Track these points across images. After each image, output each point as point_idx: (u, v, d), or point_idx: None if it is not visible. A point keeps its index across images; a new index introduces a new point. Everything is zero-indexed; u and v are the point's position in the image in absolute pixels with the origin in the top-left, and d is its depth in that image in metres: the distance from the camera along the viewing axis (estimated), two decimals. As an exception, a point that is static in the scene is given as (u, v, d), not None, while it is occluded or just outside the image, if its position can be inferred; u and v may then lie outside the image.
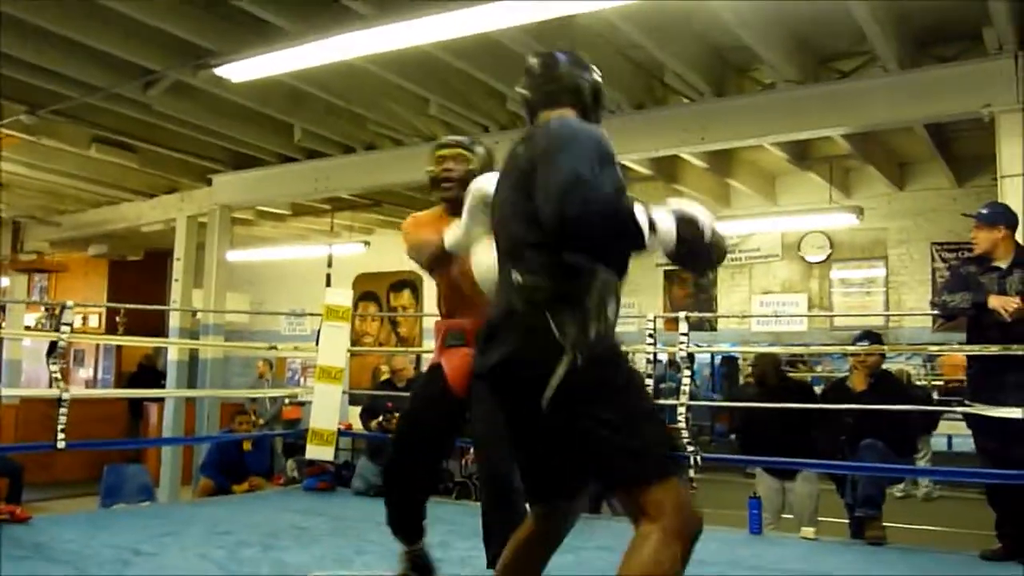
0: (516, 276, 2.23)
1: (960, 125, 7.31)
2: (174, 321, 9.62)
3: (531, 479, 2.47)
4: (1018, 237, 4.69)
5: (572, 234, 2.05)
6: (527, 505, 2.70)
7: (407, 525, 3.43)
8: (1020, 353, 4.29)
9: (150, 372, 11.97)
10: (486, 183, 2.91)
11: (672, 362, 8.84)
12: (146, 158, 8.97)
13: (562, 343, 2.12)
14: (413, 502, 3.41)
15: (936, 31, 6.08)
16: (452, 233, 3.12)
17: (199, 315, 9.72)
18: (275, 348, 8.53)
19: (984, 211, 4.66)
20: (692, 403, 5.52)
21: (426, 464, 3.44)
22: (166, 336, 9.83)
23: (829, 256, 10.64)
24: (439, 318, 3.50)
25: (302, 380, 12.30)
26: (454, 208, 3.22)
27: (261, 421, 9.11)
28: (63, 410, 5.11)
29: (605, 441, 2.12)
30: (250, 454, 7.56)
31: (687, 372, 5.46)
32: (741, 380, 11.56)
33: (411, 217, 3.63)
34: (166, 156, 8.93)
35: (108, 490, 7.15)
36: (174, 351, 9.32)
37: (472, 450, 3.61)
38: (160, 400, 10.57)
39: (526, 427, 2.33)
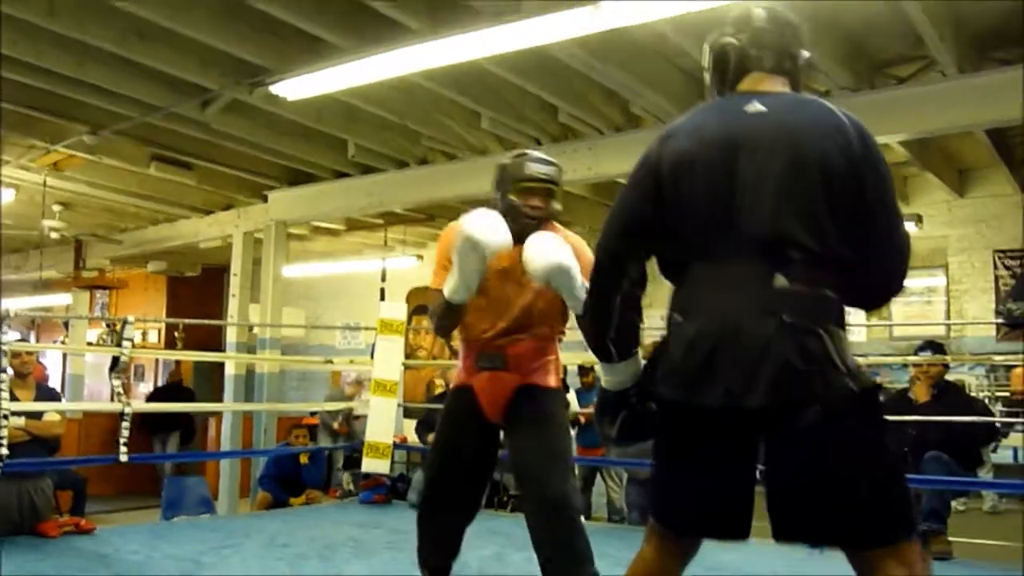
0: (781, 280, 1.84)
1: (1022, 129, 7.15)
2: (231, 336, 9.77)
3: (712, 513, 1.97)
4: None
5: (897, 290, 2.00)
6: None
7: (440, 560, 3.18)
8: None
9: (175, 389, 12.00)
10: (567, 259, 2.78)
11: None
12: (203, 175, 9.14)
13: (840, 366, 1.84)
14: (451, 535, 3.17)
15: (996, 33, 5.95)
16: (450, 285, 2.91)
17: (255, 329, 9.85)
18: (331, 362, 8.62)
19: None
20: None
21: (466, 493, 3.17)
22: (223, 350, 9.98)
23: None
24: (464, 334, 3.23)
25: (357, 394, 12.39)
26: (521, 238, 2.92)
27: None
28: (125, 423, 5.21)
29: (873, 484, 1.84)
30: (307, 467, 7.65)
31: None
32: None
33: (451, 239, 3.01)
34: (222, 173, 9.08)
35: (169, 503, 7.28)
36: (231, 365, 9.46)
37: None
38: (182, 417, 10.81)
39: (748, 453, 1.92)
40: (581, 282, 2.78)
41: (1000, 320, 4.73)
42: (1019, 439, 7.10)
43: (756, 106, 1.96)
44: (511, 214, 3.02)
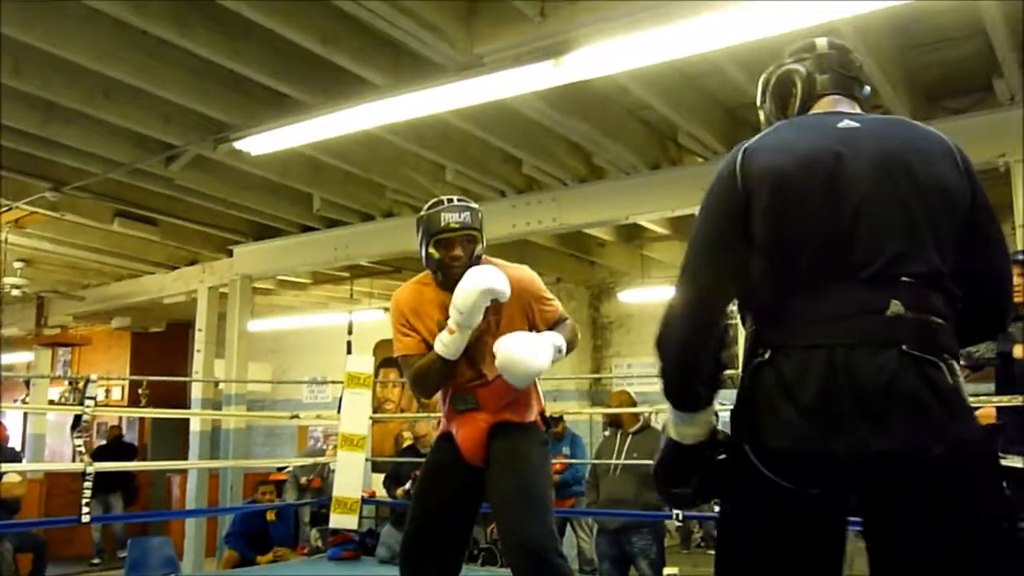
0: (897, 307, 1.62)
1: (977, 174, 7.30)
2: (196, 392, 9.63)
3: None
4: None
5: (1004, 327, 1.93)
6: None
7: None
8: (1051, 403, 4.24)
9: (116, 446, 11.52)
10: (496, 281, 2.86)
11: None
12: (168, 231, 9.09)
13: (966, 403, 1.64)
14: None
15: (947, 84, 6.12)
16: (447, 343, 2.90)
17: (221, 385, 9.73)
18: (297, 416, 8.53)
19: None
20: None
21: (448, 546, 3.09)
22: (188, 407, 9.84)
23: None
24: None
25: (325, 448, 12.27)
26: (446, 286, 2.99)
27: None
28: (88, 483, 5.10)
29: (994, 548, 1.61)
30: (274, 524, 7.52)
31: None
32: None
33: (400, 304, 3.14)
34: (187, 229, 9.04)
35: (132, 564, 7.10)
36: (196, 422, 9.32)
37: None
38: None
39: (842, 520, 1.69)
40: (552, 350, 2.87)
41: (962, 363, 4.74)
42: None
43: (848, 123, 1.79)
44: (434, 267, 3.06)
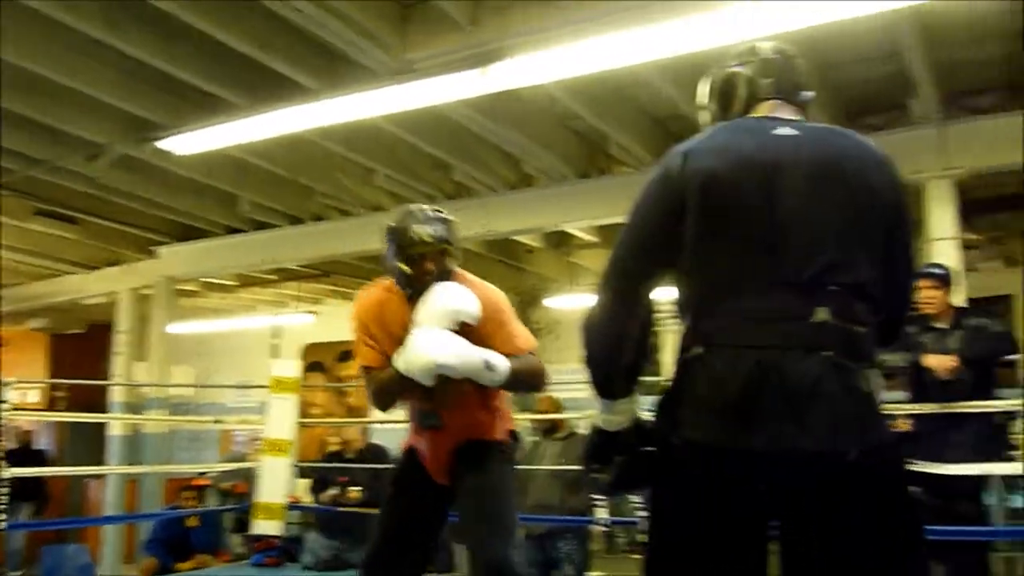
0: (823, 314, 1.67)
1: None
2: (117, 396, 9.41)
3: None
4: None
5: (901, 335, 1.94)
6: None
7: None
8: (960, 411, 4.39)
9: (25, 453, 11.10)
10: (465, 303, 2.75)
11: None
12: (89, 230, 8.88)
13: (881, 409, 1.70)
14: None
15: (865, 100, 6.32)
16: (410, 360, 2.77)
17: (143, 389, 9.53)
18: (221, 421, 8.40)
19: (940, 271, 4.76)
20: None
21: (412, 556, 3.00)
22: (108, 411, 9.60)
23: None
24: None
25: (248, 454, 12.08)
26: (414, 299, 2.85)
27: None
28: (3, 491, 4.96)
29: (912, 548, 1.70)
30: (196, 531, 7.38)
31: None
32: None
33: (363, 312, 3.01)
34: (109, 228, 8.83)
35: (47, 572, 6.93)
36: (116, 426, 9.10)
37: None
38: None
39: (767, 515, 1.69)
40: (477, 361, 2.74)
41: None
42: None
43: (786, 130, 1.81)
44: (404, 282, 2.90)
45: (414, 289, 2.86)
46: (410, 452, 3.08)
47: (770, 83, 1.92)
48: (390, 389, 2.91)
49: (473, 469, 2.93)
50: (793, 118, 1.89)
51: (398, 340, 2.83)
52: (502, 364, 2.81)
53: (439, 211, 2.98)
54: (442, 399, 2.89)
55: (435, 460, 2.98)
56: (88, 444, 11.62)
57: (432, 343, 2.71)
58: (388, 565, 2.97)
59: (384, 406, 3.01)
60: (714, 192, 1.73)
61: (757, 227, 1.71)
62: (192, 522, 7.38)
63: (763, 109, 1.91)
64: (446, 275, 2.90)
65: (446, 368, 2.70)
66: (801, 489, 1.63)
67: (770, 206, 1.71)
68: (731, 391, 1.64)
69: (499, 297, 3.03)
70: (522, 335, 3.02)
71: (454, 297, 2.76)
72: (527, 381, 3.00)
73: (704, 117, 2.05)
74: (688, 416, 1.70)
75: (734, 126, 1.88)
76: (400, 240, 2.87)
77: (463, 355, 2.73)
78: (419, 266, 2.85)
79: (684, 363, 1.74)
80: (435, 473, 2.99)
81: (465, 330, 2.82)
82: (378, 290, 3.06)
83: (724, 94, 1.98)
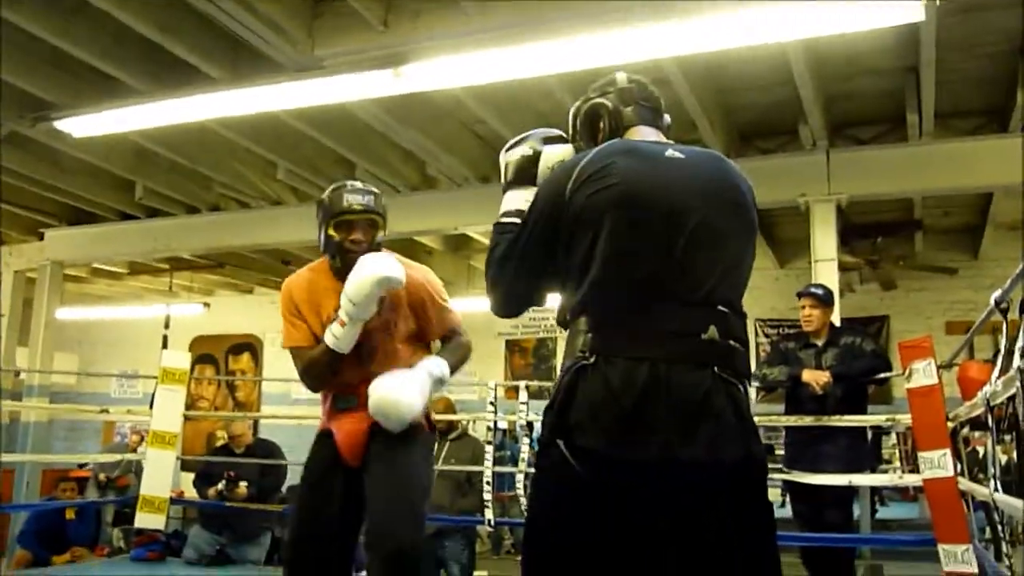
0: (713, 332, 1.73)
1: (781, 211, 7.87)
2: (-7, 382, 9.05)
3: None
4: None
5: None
6: None
7: None
8: (833, 424, 4.61)
9: None
10: (392, 269, 2.69)
11: (509, 430, 8.97)
12: (-30, 209, 8.53)
13: (753, 427, 1.77)
14: None
15: (758, 125, 6.60)
16: (339, 336, 2.75)
17: (23, 375, 9.18)
18: (107, 411, 8.15)
19: (820, 291, 4.96)
20: (531, 470, 5.61)
21: (332, 550, 2.91)
22: (-18, 397, 9.22)
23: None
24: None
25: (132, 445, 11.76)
26: (343, 273, 2.80)
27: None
28: None
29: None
30: (73, 523, 7.17)
31: (526, 440, 5.55)
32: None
33: (290, 292, 2.98)
34: (-6, 208, 8.51)
35: (-92, 564, 6.62)
36: (-9, 413, 8.75)
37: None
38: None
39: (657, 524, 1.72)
40: (415, 392, 2.72)
41: (756, 384, 5.12)
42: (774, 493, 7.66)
43: (672, 152, 1.86)
44: (332, 250, 2.89)
45: (343, 260, 2.84)
46: (322, 439, 2.99)
47: (632, 111, 1.99)
48: (320, 366, 2.86)
49: (388, 451, 2.86)
50: (669, 142, 1.96)
51: (324, 319, 2.84)
52: (444, 369, 2.87)
53: (368, 185, 3.01)
54: (371, 362, 2.85)
55: (350, 442, 2.90)
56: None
57: (378, 262, 2.71)
58: (309, 561, 2.90)
59: (313, 385, 2.95)
60: (606, 209, 1.76)
61: (659, 248, 1.75)
62: (70, 514, 7.17)
63: (633, 135, 1.96)
64: (376, 249, 2.91)
65: (392, 281, 2.68)
66: (683, 497, 1.67)
67: (671, 228, 1.75)
68: (626, 402, 1.66)
69: (429, 275, 3.06)
70: (454, 312, 3.07)
71: (381, 264, 2.71)
72: (461, 364, 3.04)
73: (576, 147, 2.08)
74: (580, 423, 1.70)
75: (621, 145, 1.89)
76: (330, 207, 2.89)
77: (416, 391, 2.74)
78: (348, 233, 2.87)
79: (577, 370, 1.75)
80: (349, 456, 2.90)
81: (393, 304, 2.84)
82: (306, 271, 3.05)
83: (591, 124, 2.02)
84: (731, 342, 1.74)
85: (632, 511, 1.69)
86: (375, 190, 3.00)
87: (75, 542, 7.12)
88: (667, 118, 2.07)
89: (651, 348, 1.70)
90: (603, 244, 1.76)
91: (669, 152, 1.86)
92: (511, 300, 1.98)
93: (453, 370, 2.93)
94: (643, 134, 1.97)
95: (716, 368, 1.69)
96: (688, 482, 1.66)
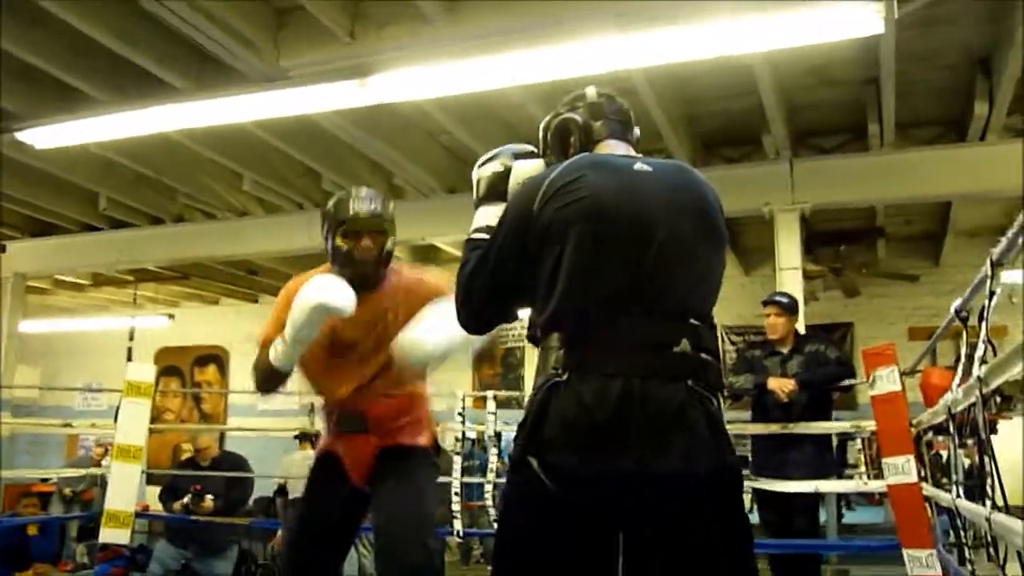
0: (685, 345, 1.72)
1: (746, 219, 7.93)
2: (-47, 396, 8.89)
3: None
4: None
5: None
6: None
7: None
8: (799, 432, 4.66)
9: None
10: (335, 298, 2.52)
11: (477, 440, 8.96)
12: (-69, 221, 8.39)
13: (727, 439, 1.76)
14: None
15: (723, 134, 6.65)
16: (279, 352, 2.65)
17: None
18: (70, 425, 8.06)
19: (785, 300, 5.01)
20: (499, 480, 5.61)
21: (332, 565, 2.92)
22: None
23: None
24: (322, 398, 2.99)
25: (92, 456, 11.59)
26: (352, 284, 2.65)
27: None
28: None
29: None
30: (36, 539, 7.06)
31: (495, 450, 5.55)
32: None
33: (288, 293, 2.79)
34: (-47, 220, 8.38)
35: None
36: (-48, 428, 8.59)
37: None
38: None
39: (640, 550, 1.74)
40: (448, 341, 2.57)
41: (725, 392, 5.14)
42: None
43: (641, 165, 1.86)
44: (340, 260, 2.77)
45: (352, 270, 2.73)
46: (325, 457, 2.94)
47: (601, 125, 2.00)
48: (259, 372, 2.76)
49: (397, 472, 2.82)
50: (638, 155, 1.96)
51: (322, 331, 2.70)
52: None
53: (376, 192, 2.88)
54: (374, 378, 2.80)
55: (358, 465, 2.85)
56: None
57: (323, 288, 2.56)
58: (311, 556, 2.87)
59: (257, 388, 2.85)
60: (577, 225, 1.76)
61: (628, 262, 1.75)
62: (32, 530, 7.06)
63: (603, 149, 1.97)
64: (387, 257, 2.83)
65: (332, 310, 2.54)
66: (667, 505, 1.68)
67: (640, 242, 1.75)
68: (599, 416, 1.66)
69: (431, 281, 2.93)
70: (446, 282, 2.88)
71: (322, 290, 2.55)
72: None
73: (547, 161, 2.09)
74: (554, 440, 1.71)
75: (590, 159, 1.90)
76: (337, 214, 2.77)
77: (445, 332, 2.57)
78: (356, 242, 2.75)
79: (550, 386, 1.74)
80: (357, 478, 2.85)
81: (393, 316, 2.74)
82: (312, 274, 2.88)
83: (561, 140, 2.03)
84: (703, 355, 1.73)
85: (615, 521, 1.71)
86: (383, 195, 2.87)
87: (38, 558, 7.03)
88: (637, 131, 2.08)
89: (624, 363, 1.69)
90: (570, 258, 1.75)
91: (638, 165, 1.86)
92: (482, 316, 1.97)
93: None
94: (612, 148, 1.97)
95: (689, 381, 1.69)
96: (670, 490, 1.67)
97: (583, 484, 1.68)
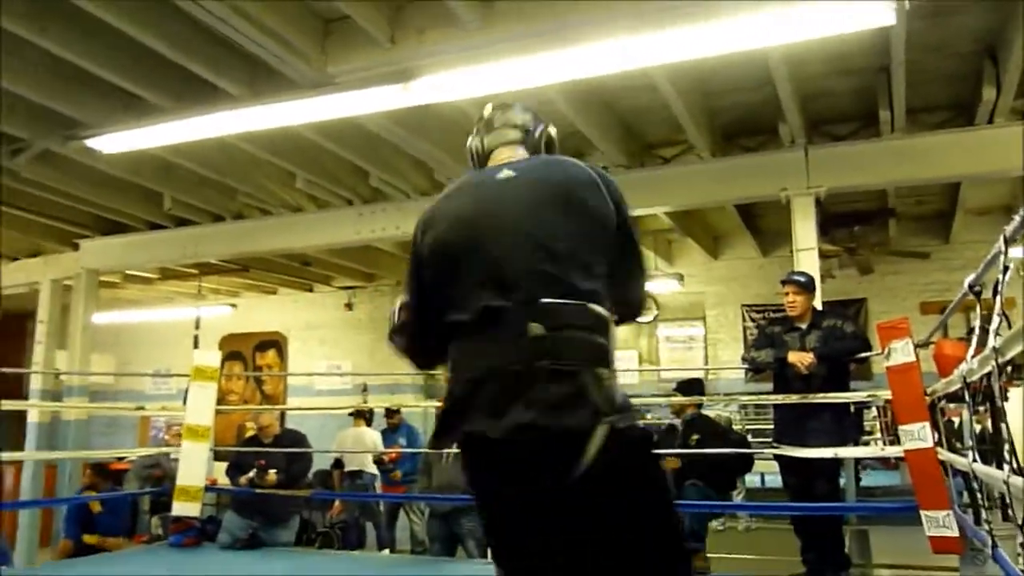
0: (536, 329, 1.74)
1: (763, 203, 7.86)
2: (36, 383, 9.07)
3: None
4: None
5: (641, 314, 2.04)
6: None
7: None
8: (817, 401, 4.63)
9: None
10: None
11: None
12: (9, 222, 8.49)
13: (599, 405, 1.73)
14: None
15: (741, 124, 6.59)
16: None
17: (62, 377, 9.20)
18: (143, 408, 8.19)
19: (802, 278, 5.00)
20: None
21: None
22: (25, 398, 9.23)
23: (656, 317, 11.12)
24: None
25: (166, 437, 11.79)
26: None
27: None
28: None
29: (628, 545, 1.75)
30: (101, 515, 7.19)
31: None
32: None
33: None
34: (31, 221, 8.49)
35: (-38, 558, 6.63)
36: (35, 413, 8.77)
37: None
38: None
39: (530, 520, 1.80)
40: None
41: (746, 366, 5.13)
42: (764, 466, 7.66)
43: (506, 172, 1.95)
44: None
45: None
46: None
47: (492, 137, 2.14)
48: None
49: None
50: (518, 158, 2.06)
51: None
52: None
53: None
54: None
55: None
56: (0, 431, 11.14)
57: None
58: None
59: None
60: (437, 247, 1.92)
61: (473, 266, 1.84)
62: (95, 507, 7.18)
63: (495, 159, 2.10)
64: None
65: None
66: (542, 476, 1.72)
67: (483, 245, 1.84)
68: (463, 393, 1.79)
69: None
70: None
71: None
72: None
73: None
74: (451, 423, 1.84)
75: (465, 180, 2.06)
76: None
77: None
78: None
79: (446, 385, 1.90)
80: None
81: None
82: None
83: (471, 157, 2.19)
84: (563, 332, 1.74)
85: (499, 485, 1.81)
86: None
87: (103, 532, 7.15)
88: (543, 130, 2.16)
89: (483, 353, 1.78)
90: (435, 280, 1.92)
91: (503, 174, 1.97)
92: (420, 355, 2.09)
93: None
94: (499, 158, 2.09)
95: (543, 361, 1.70)
96: (527, 465, 1.73)
97: (477, 447, 1.81)
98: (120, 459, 8.92)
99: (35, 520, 8.46)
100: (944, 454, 3.98)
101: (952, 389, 3.52)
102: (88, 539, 6.96)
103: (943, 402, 4.48)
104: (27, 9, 4.55)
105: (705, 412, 6.38)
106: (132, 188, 7.68)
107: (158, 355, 12.00)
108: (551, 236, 1.82)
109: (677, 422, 6.21)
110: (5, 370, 9.82)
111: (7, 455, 10.23)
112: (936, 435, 4.06)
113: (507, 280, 1.79)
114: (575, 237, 1.84)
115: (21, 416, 9.15)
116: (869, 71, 5.64)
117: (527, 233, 1.83)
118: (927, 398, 4.12)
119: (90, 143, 5.82)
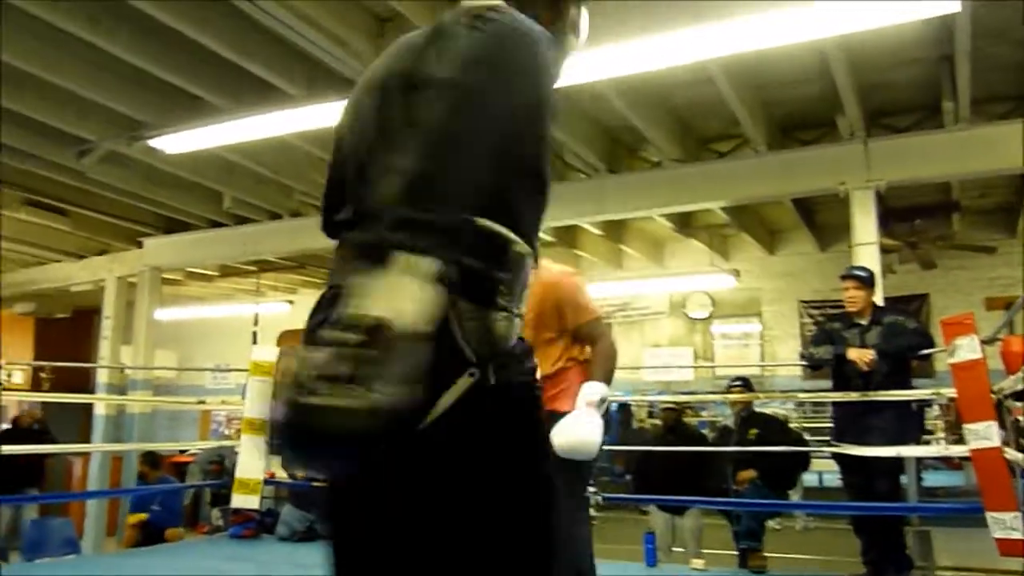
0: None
1: (821, 198, 7.72)
2: (102, 377, 9.31)
3: None
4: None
5: None
6: None
7: None
8: (878, 399, 4.53)
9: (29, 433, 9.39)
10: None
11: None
12: (77, 221, 8.76)
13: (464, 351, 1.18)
14: None
15: (798, 118, 6.47)
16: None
17: (127, 371, 9.42)
18: (203, 402, 8.34)
19: (862, 273, 4.88)
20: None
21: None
22: (92, 392, 9.48)
23: (711, 313, 10.99)
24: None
25: (226, 431, 12.01)
26: None
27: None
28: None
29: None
30: (158, 510, 7.38)
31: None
32: (634, 425, 11.63)
33: None
34: (97, 220, 8.73)
35: (31, 544, 6.82)
36: (101, 406, 9.00)
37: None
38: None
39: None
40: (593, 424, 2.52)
41: (804, 363, 5.03)
42: (822, 464, 7.54)
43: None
44: None
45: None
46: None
47: None
48: None
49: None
50: None
51: None
52: (600, 390, 2.66)
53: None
54: None
55: None
56: (69, 424, 11.45)
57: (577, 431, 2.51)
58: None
59: None
60: None
61: (337, 175, 1.45)
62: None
63: None
64: None
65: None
66: None
67: (341, 152, 1.45)
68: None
69: (569, 278, 2.92)
70: (594, 314, 2.92)
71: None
72: (611, 370, 2.86)
73: None
74: None
75: None
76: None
77: (594, 423, 2.56)
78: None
79: None
80: None
81: (531, 304, 2.62)
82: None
83: None
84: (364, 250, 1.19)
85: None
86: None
87: (156, 524, 7.34)
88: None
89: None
90: None
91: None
92: None
93: (607, 381, 2.74)
94: None
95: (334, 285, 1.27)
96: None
97: None
98: (182, 452, 9.11)
99: (102, 510, 8.68)
100: (1011, 454, 3.87)
101: (1020, 387, 3.42)
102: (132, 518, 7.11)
103: (1010, 400, 4.35)
104: (92, 13, 4.66)
105: (760, 410, 6.27)
106: (194, 187, 7.83)
107: (218, 350, 12.23)
108: (352, 143, 1.45)
109: (730, 422, 6.12)
110: (74, 364, 10.18)
111: (76, 447, 10.58)
112: (1003, 434, 3.95)
113: (348, 192, 1.41)
114: (380, 126, 1.34)
115: (88, 409, 9.39)
116: (930, 61, 5.49)
117: (357, 131, 1.43)
118: (993, 396, 4.00)
119: (153, 143, 5.94)
